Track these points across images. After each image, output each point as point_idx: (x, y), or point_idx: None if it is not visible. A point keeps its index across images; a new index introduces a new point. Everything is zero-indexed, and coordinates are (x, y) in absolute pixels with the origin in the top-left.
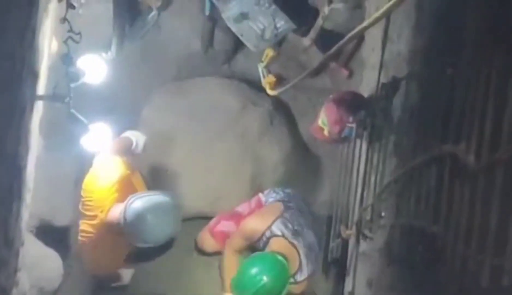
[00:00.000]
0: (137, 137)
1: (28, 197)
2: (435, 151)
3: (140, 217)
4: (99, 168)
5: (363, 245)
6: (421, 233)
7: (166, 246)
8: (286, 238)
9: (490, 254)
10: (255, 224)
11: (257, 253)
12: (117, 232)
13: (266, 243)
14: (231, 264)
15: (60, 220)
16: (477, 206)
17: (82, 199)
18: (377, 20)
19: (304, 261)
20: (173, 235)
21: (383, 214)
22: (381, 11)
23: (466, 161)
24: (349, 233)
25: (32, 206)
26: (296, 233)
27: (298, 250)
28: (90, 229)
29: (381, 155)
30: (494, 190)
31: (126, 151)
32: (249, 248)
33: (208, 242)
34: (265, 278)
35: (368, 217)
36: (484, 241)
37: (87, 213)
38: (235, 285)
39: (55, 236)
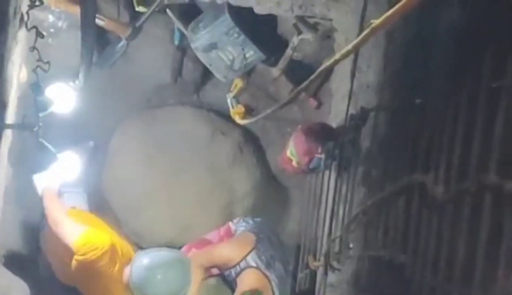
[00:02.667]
0: (49, 182)
1: None
2: (403, 181)
3: (149, 276)
4: (85, 255)
5: (331, 277)
6: (389, 264)
7: None
8: (260, 270)
9: (457, 283)
10: (230, 252)
11: None
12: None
13: (239, 274)
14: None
15: (28, 250)
16: (445, 235)
17: (85, 281)
18: (347, 54)
19: (276, 293)
20: (184, 291)
21: (351, 245)
22: (350, 45)
23: (434, 191)
24: (317, 264)
25: (0, 235)
26: (268, 265)
27: (271, 282)
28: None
29: (350, 186)
30: (462, 220)
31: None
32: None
33: None
34: None
35: (336, 248)
36: (451, 271)
37: (98, 286)
38: None
39: (23, 265)
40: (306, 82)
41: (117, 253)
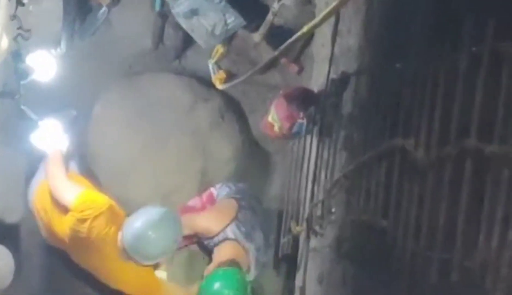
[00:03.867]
0: (59, 140)
1: None
2: (384, 146)
3: (141, 236)
4: (82, 212)
5: (314, 241)
6: (371, 228)
7: None
8: (239, 242)
9: (438, 249)
10: (210, 224)
11: (219, 270)
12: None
13: (217, 244)
14: None
15: (11, 217)
16: (426, 201)
17: (77, 242)
18: (326, 17)
19: (252, 265)
20: (177, 241)
21: (333, 209)
22: (329, 8)
23: (415, 155)
24: (300, 229)
25: None
26: (248, 236)
27: (249, 254)
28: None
29: (331, 151)
30: (443, 185)
31: (66, 163)
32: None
33: None
34: (227, 292)
35: (318, 213)
36: (433, 237)
37: (90, 251)
38: None
39: (6, 233)
40: (284, 46)
41: (114, 215)
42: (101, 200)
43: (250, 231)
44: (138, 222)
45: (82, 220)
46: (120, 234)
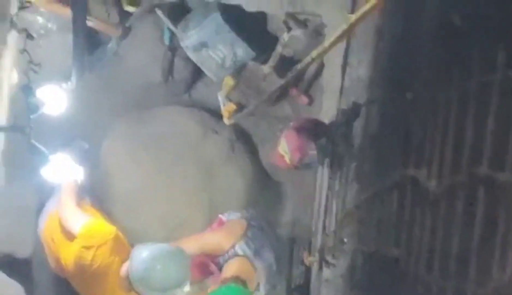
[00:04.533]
0: (76, 173)
1: None
2: (396, 176)
3: (149, 267)
4: (87, 240)
5: (326, 272)
6: (383, 258)
7: None
8: (248, 258)
9: (452, 278)
10: (219, 241)
11: (222, 287)
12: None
13: (226, 260)
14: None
15: (22, 252)
16: (439, 229)
17: (80, 271)
18: (336, 42)
19: (262, 283)
20: (184, 282)
21: (345, 240)
22: (339, 32)
23: (427, 185)
24: (312, 259)
25: None
26: (257, 253)
27: (258, 271)
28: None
29: (343, 181)
30: (456, 213)
31: (78, 193)
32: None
33: None
34: None
35: (330, 243)
36: (446, 265)
37: (92, 281)
38: None
39: (16, 266)
40: (292, 73)
41: (119, 246)
42: (108, 230)
43: (260, 249)
44: (149, 253)
45: (87, 247)
46: (127, 263)
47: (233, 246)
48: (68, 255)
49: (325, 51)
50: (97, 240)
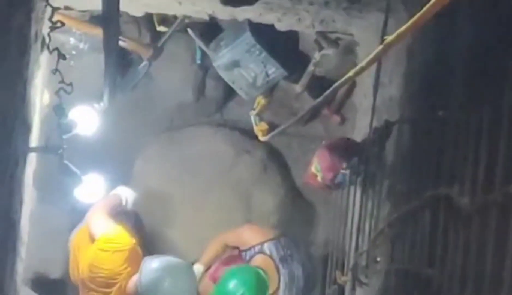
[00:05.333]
0: (126, 194)
1: (22, 250)
2: (428, 194)
3: (158, 278)
4: (105, 243)
5: (359, 291)
6: (416, 277)
7: None
8: (273, 260)
9: None
10: (250, 235)
11: (240, 265)
12: None
13: (252, 256)
14: (213, 248)
15: (55, 272)
16: (472, 247)
17: (91, 274)
18: (362, 69)
19: (282, 288)
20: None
21: (378, 259)
22: (366, 60)
23: (460, 203)
24: (345, 279)
25: (26, 259)
26: (284, 260)
27: (280, 276)
28: None
29: (375, 200)
30: (489, 231)
31: (117, 208)
32: None
33: (210, 289)
34: (243, 291)
35: (363, 263)
36: (480, 284)
37: (100, 289)
38: (216, 293)
39: (50, 288)
40: (323, 96)
41: (134, 258)
42: (127, 240)
43: (288, 258)
44: (159, 265)
45: (103, 250)
46: (136, 275)
47: (261, 244)
48: (85, 257)
49: (362, 70)
50: (114, 246)
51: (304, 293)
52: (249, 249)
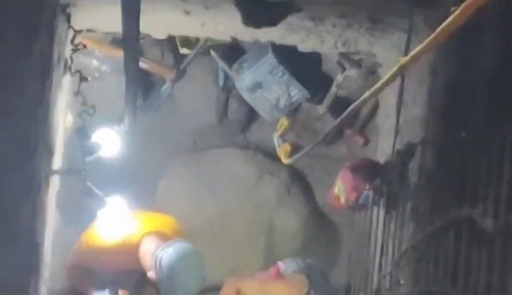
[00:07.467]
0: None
1: (46, 272)
2: (452, 215)
3: (176, 267)
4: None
5: None
6: None
7: None
8: None
9: None
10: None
11: None
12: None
13: None
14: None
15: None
16: (495, 268)
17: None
18: (389, 81)
19: None
20: (201, 285)
21: (402, 281)
22: (392, 71)
23: (483, 224)
24: None
25: (49, 280)
26: None
27: None
28: None
29: (398, 221)
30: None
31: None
32: None
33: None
34: None
35: (387, 285)
36: None
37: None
38: None
39: None
40: (346, 112)
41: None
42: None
43: None
44: (173, 251)
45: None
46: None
47: None
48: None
49: (377, 91)
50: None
51: None
52: None
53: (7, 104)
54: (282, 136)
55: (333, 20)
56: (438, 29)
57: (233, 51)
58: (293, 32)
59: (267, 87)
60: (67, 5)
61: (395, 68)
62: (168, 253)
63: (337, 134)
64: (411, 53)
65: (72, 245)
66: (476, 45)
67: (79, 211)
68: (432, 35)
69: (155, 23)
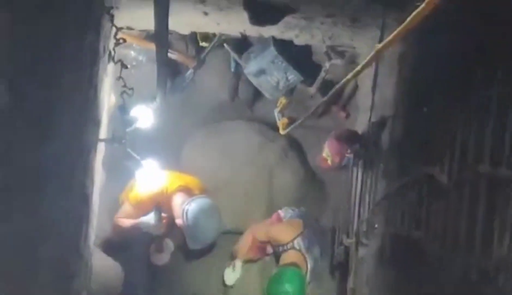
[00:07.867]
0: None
1: (94, 219)
2: (415, 173)
3: (199, 218)
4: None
5: (361, 251)
6: (406, 239)
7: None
8: (302, 253)
9: (461, 252)
10: (282, 234)
11: (282, 268)
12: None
13: (285, 251)
14: (246, 243)
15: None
16: (450, 215)
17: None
18: (359, 72)
19: (308, 272)
20: (218, 231)
21: (376, 225)
22: (361, 65)
23: (440, 180)
24: (350, 241)
25: (97, 226)
26: (308, 250)
27: (307, 263)
28: None
29: (373, 178)
30: (463, 201)
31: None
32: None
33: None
34: (288, 288)
35: (364, 228)
36: (456, 243)
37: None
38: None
39: (116, 249)
40: (330, 93)
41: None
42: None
43: (311, 246)
44: (196, 205)
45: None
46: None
47: (292, 241)
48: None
49: (357, 73)
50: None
51: (321, 265)
52: (282, 245)
53: (65, 87)
54: (281, 111)
55: (322, 19)
56: (407, 20)
57: (242, 44)
58: (290, 29)
59: (269, 73)
60: (111, 8)
61: (372, 53)
62: (192, 206)
63: (325, 110)
64: (385, 40)
65: (115, 198)
66: (437, 35)
67: (121, 171)
68: (402, 25)
69: (181, 22)
